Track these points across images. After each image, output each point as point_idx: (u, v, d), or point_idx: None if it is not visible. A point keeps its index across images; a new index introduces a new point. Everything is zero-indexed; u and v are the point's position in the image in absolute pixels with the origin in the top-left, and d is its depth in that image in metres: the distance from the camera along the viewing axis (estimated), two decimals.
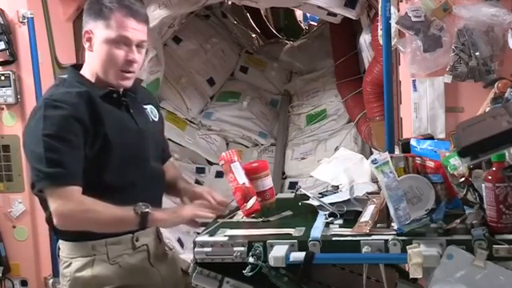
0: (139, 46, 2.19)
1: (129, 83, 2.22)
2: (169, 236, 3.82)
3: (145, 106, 2.32)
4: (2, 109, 3.62)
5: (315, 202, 2.27)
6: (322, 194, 2.37)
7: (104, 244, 2.15)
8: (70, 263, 2.17)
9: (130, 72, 2.18)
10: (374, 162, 1.99)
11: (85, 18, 2.21)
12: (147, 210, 2.07)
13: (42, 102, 2.12)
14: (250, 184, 2.29)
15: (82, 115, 2.09)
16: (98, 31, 2.15)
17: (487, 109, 2.67)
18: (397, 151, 2.66)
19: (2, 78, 3.55)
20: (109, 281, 2.15)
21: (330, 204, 2.22)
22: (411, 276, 1.89)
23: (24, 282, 3.67)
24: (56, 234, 2.24)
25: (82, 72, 2.23)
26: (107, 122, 2.12)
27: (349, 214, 2.19)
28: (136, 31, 2.16)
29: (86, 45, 2.19)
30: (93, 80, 2.19)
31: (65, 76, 2.26)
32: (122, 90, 2.23)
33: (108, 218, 2.07)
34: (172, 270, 2.32)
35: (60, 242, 2.24)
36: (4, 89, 3.55)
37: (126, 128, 2.19)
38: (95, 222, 2.07)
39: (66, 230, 2.13)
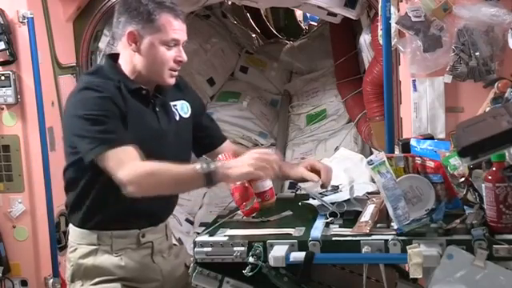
0: (182, 45, 2.26)
1: (174, 81, 2.28)
2: None
3: (175, 103, 2.34)
4: (2, 109, 3.61)
5: (315, 202, 2.26)
6: (322, 194, 2.36)
7: (110, 236, 2.20)
8: (76, 249, 2.24)
9: (176, 71, 2.25)
10: (370, 162, 1.99)
11: (123, 19, 2.23)
12: (210, 169, 2.03)
13: (83, 86, 2.17)
14: (247, 184, 2.29)
15: (119, 103, 2.15)
16: (147, 34, 2.19)
17: (487, 109, 2.67)
18: (397, 151, 2.66)
19: (2, 77, 3.54)
20: (109, 272, 2.19)
21: (330, 204, 2.22)
22: (411, 276, 1.89)
23: (24, 282, 3.67)
24: (68, 218, 2.30)
25: (118, 65, 2.26)
26: (130, 117, 2.17)
27: (349, 213, 2.19)
28: (182, 32, 2.24)
29: (131, 46, 2.21)
30: (132, 77, 2.24)
31: (101, 64, 2.29)
32: (152, 88, 2.27)
33: (172, 178, 2.06)
34: (174, 267, 2.33)
35: (70, 225, 2.30)
36: (4, 89, 3.54)
37: (147, 126, 2.22)
38: (161, 183, 2.06)
39: (76, 215, 2.21)
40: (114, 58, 2.30)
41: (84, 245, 2.22)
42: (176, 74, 2.26)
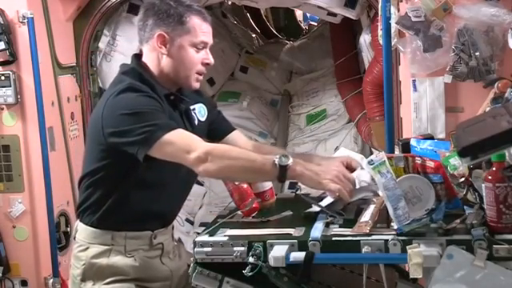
0: (209, 48, 2.26)
1: (198, 85, 2.28)
2: None
3: (193, 107, 2.34)
4: (2, 109, 3.62)
5: (316, 209, 2.25)
6: (321, 198, 2.34)
7: (124, 236, 2.20)
8: (87, 248, 2.23)
9: (202, 74, 2.25)
10: (370, 163, 1.99)
11: (151, 21, 2.22)
12: (288, 163, 2.01)
13: (126, 86, 2.13)
14: (246, 185, 2.29)
15: (161, 104, 2.15)
16: (177, 36, 2.19)
17: (487, 109, 2.67)
18: (397, 151, 2.66)
19: (2, 77, 3.55)
20: (123, 272, 2.20)
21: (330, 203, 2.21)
22: (411, 276, 1.88)
23: (24, 282, 3.67)
24: (78, 216, 2.28)
25: (148, 68, 2.24)
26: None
27: (349, 213, 2.19)
28: (209, 34, 2.25)
29: (161, 49, 2.20)
30: (159, 79, 2.23)
31: (131, 66, 2.26)
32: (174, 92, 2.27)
33: (247, 164, 2.04)
34: (179, 267, 2.36)
35: (79, 224, 2.28)
36: (4, 89, 3.55)
37: None
38: (235, 167, 2.05)
39: (92, 215, 2.20)
40: (138, 58, 2.28)
41: (97, 244, 2.21)
42: (201, 78, 2.26)
